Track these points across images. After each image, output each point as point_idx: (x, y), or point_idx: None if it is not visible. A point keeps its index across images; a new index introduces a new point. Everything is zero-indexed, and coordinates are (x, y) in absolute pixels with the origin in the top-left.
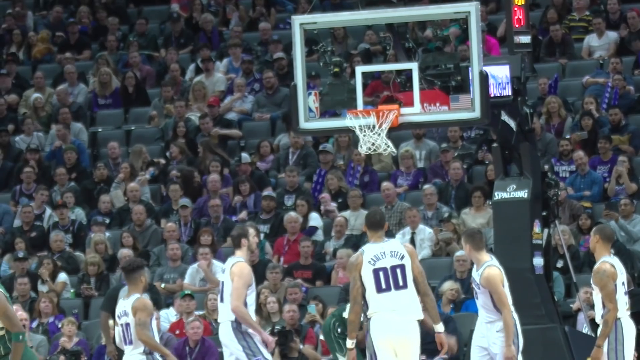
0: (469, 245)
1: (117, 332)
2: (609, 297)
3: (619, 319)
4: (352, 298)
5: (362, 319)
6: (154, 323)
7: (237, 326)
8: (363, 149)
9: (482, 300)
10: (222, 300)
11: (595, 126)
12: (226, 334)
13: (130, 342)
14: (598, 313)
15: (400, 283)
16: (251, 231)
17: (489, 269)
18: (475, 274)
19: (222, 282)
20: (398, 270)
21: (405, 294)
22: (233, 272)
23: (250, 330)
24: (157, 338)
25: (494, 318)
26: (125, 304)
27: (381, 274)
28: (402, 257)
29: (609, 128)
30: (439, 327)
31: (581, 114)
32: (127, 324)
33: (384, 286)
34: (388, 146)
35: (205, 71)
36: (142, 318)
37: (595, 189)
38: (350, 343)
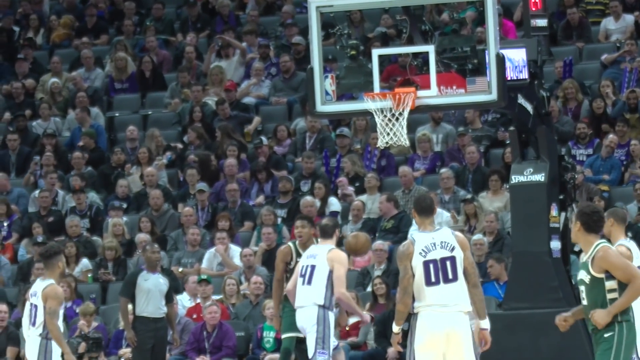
0: None
1: (25, 309)
2: None
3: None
4: (403, 288)
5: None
6: (61, 311)
7: (322, 313)
8: (382, 142)
9: None
10: (309, 283)
11: (606, 109)
12: (308, 318)
13: (34, 324)
14: None
15: (450, 276)
16: None
17: None
18: None
19: (312, 266)
20: (448, 263)
21: (454, 287)
22: (331, 258)
23: (331, 322)
24: (61, 324)
25: None
26: (38, 286)
27: (431, 266)
28: (453, 249)
29: (627, 110)
30: (484, 323)
31: (592, 97)
32: (35, 306)
33: (433, 279)
34: (404, 139)
35: (225, 56)
36: (52, 307)
37: (614, 174)
38: (397, 329)
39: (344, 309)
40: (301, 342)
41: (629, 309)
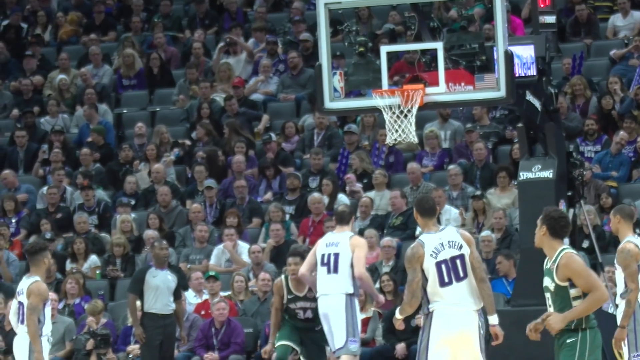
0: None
1: (12, 307)
2: (631, 277)
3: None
4: (411, 292)
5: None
6: (47, 309)
7: (350, 301)
8: (390, 139)
9: None
10: (336, 271)
11: (614, 106)
12: (336, 306)
13: (22, 322)
14: (618, 292)
15: (461, 274)
16: None
17: None
18: None
19: (335, 254)
20: (458, 262)
21: (465, 285)
22: (353, 244)
23: (357, 309)
24: (48, 323)
25: None
26: (24, 283)
27: (443, 267)
28: (461, 247)
29: (635, 107)
30: (493, 319)
31: (600, 93)
32: (21, 303)
33: (446, 280)
34: (413, 136)
35: (233, 53)
36: (33, 303)
37: (623, 171)
38: (400, 316)
39: (362, 288)
40: (295, 352)
41: (591, 316)
